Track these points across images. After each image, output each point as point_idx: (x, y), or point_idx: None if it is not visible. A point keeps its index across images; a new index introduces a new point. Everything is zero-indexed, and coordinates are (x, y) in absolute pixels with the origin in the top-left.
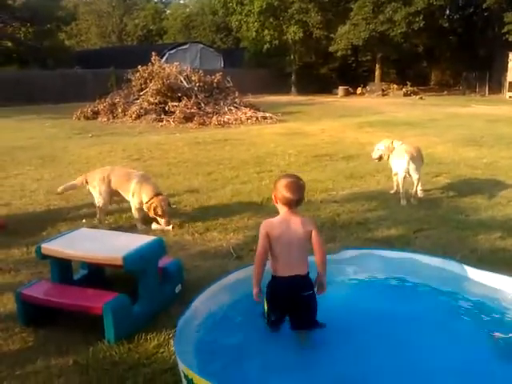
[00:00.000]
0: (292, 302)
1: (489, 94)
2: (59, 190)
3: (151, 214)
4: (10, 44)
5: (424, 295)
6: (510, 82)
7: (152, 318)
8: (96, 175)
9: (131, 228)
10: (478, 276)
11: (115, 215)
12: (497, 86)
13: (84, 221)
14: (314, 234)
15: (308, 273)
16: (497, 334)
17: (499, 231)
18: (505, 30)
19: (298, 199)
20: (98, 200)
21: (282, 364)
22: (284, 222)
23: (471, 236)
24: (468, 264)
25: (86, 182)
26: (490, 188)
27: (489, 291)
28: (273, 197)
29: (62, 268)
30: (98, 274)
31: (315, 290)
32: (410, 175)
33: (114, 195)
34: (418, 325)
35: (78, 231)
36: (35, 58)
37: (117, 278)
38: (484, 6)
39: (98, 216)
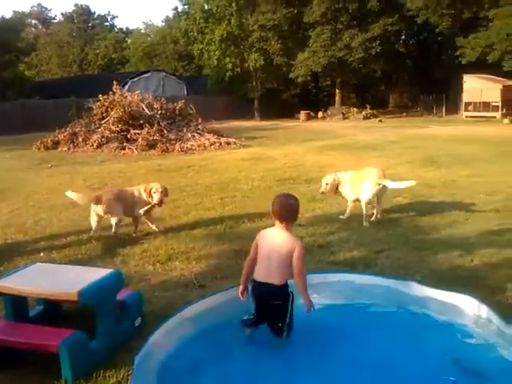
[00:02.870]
0: (263, 306)
1: (446, 114)
2: (68, 193)
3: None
4: None
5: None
6: (465, 103)
7: (111, 353)
8: (108, 195)
9: (89, 261)
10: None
11: (74, 247)
12: (453, 107)
13: (42, 254)
14: (295, 256)
15: (283, 285)
16: None
17: (458, 249)
18: (457, 53)
19: (281, 213)
20: (114, 217)
21: None
22: (272, 232)
23: (431, 255)
24: (428, 284)
25: (96, 203)
26: (449, 207)
27: (450, 311)
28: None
29: (17, 305)
30: (54, 310)
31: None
32: (375, 202)
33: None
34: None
35: (33, 266)
36: None
37: (75, 313)
38: (437, 30)
39: (113, 229)
